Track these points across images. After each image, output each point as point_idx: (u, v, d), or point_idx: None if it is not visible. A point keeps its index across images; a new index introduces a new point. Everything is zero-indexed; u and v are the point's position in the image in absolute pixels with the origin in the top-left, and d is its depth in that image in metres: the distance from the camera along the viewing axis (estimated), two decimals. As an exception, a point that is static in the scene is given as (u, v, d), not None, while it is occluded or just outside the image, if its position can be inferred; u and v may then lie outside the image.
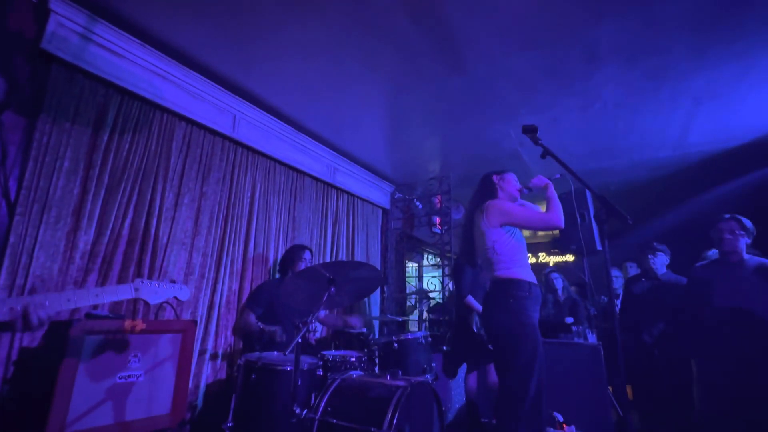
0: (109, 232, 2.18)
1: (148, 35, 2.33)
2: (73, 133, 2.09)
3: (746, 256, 2.41)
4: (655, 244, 3.22)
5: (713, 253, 2.80)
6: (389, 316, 3.59)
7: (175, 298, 1.54)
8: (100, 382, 1.65)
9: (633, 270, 4.02)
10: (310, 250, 2.94)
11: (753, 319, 2.28)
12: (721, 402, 2.39)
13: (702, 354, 2.55)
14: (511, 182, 2.08)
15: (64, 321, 1.79)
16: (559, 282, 3.82)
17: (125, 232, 2.26)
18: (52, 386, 1.51)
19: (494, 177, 2.09)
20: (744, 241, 2.41)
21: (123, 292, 1.37)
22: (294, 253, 2.87)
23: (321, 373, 2.00)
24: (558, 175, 2.02)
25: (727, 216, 2.46)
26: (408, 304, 4.91)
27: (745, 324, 2.30)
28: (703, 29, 2.27)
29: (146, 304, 1.48)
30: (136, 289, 1.40)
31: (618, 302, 3.53)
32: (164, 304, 2.33)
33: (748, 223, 2.41)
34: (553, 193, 1.93)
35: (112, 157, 2.24)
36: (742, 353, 2.29)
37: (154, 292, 1.45)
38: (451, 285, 4.39)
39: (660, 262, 3.16)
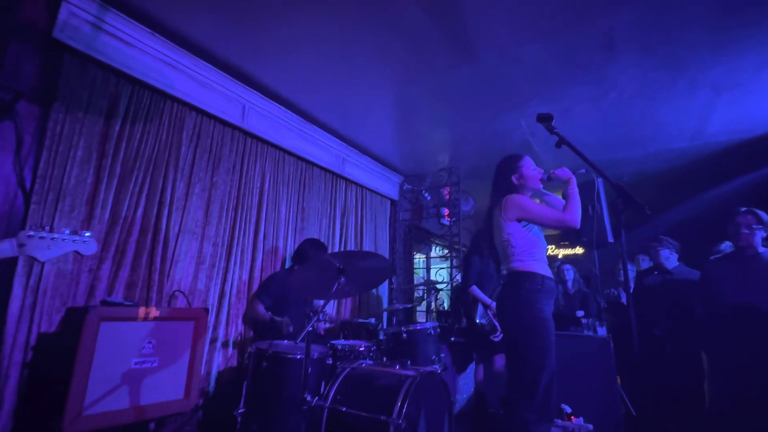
0: (122, 221, 2.21)
1: (158, 24, 2.33)
2: (86, 123, 2.11)
3: (761, 250, 2.38)
4: (663, 237, 3.17)
5: (726, 246, 2.75)
6: (397, 306, 3.60)
7: (77, 252, 1.31)
8: (116, 367, 1.69)
9: (645, 263, 3.96)
10: (326, 251, 2.92)
11: (767, 313, 2.25)
12: (731, 396, 2.37)
13: (714, 348, 2.52)
14: (531, 177, 1.98)
15: (80, 307, 1.83)
16: (570, 274, 3.79)
17: (138, 221, 2.29)
18: (69, 371, 1.54)
19: (513, 178, 2.00)
20: (760, 235, 2.37)
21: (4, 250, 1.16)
22: (310, 251, 2.81)
23: (330, 362, 2.02)
24: (583, 170, 1.94)
25: (744, 209, 2.41)
26: (416, 295, 4.92)
27: (759, 318, 2.26)
28: (723, 17, 2.19)
29: (37, 260, 1.26)
30: (21, 245, 1.17)
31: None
32: (176, 293, 2.36)
33: (765, 216, 2.37)
34: (574, 189, 1.88)
35: (124, 147, 2.26)
36: (754, 348, 2.26)
37: (45, 247, 1.21)
38: (459, 277, 4.38)
39: (668, 255, 3.11)
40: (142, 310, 1.76)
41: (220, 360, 2.64)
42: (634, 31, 2.32)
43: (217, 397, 2.52)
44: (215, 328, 2.64)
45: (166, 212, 2.41)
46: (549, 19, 2.24)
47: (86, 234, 1.31)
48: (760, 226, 2.35)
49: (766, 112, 3.17)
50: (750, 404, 2.27)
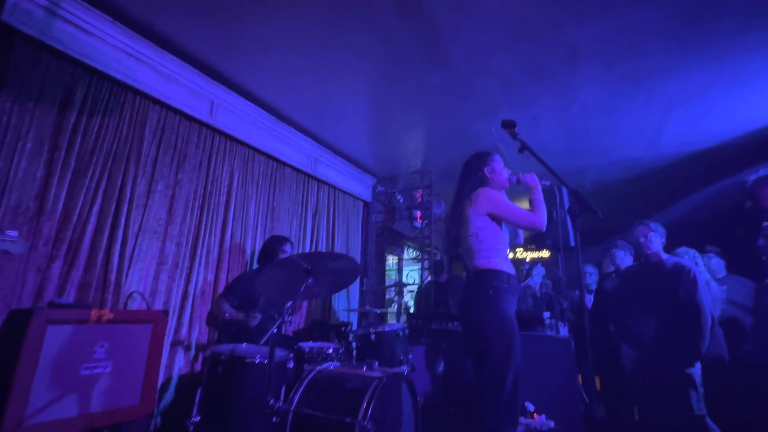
0: (75, 218, 2.09)
1: (120, 13, 2.23)
2: (37, 113, 1.98)
3: (665, 257, 2.60)
4: (619, 242, 3.35)
5: (682, 250, 2.94)
6: (368, 308, 3.59)
7: (6, 251, 1.37)
8: (64, 373, 1.58)
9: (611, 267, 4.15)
10: (291, 243, 2.88)
11: (666, 313, 2.47)
12: (638, 385, 2.62)
13: (623, 346, 2.77)
14: (501, 172, 2.04)
15: (24, 309, 1.71)
16: (539, 277, 3.92)
17: (93, 218, 2.17)
18: (10, 378, 1.44)
19: (485, 170, 2.04)
20: (659, 241, 2.61)
21: None
22: (275, 244, 2.79)
23: (292, 365, 1.98)
24: (547, 183, 2.06)
25: (637, 222, 2.68)
26: (387, 296, 4.93)
27: (660, 318, 2.49)
28: (677, 36, 2.35)
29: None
30: None
31: (591, 297, 3.66)
32: (134, 294, 2.26)
33: (655, 226, 2.62)
34: (540, 196, 1.94)
35: (80, 140, 2.14)
36: (656, 343, 2.48)
37: None
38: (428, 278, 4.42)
39: (623, 256, 3.29)
40: (94, 313, 1.67)
41: (182, 364, 2.54)
42: (597, 45, 2.44)
43: (176, 403, 2.43)
44: (177, 330, 2.54)
45: (125, 209, 2.30)
46: (518, 30, 2.32)
47: (14, 233, 1.35)
48: (654, 234, 2.59)
49: (712, 127, 3.41)
50: (650, 388, 2.49)
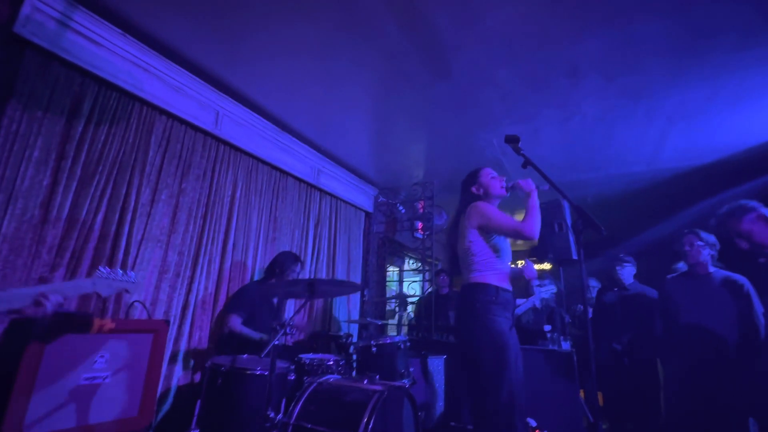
0: (79, 226, 2.09)
1: (129, 25, 2.27)
2: (46, 122, 2.01)
3: (712, 269, 2.48)
4: (621, 255, 3.33)
5: (681, 266, 2.91)
6: (369, 319, 3.57)
7: (126, 290, 1.49)
8: (63, 383, 1.57)
9: None
10: (302, 263, 2.87)
11: (717, 330, 2.36)
12: (685, 406, 2.46)
13: (670, 362, 2.64)
14: (490, 184, 2.02)
15: (25, 318, 1.71)
16: (538, 290, 3.90)
17: (97, 226, 2.18)
18: (9, 387, 1.43)
19: (473, 188, 2.05)
20: (707, 253, 2.45)
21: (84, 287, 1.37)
22: (286, 261, 2.79)
23: (293, 377, 1.96)
24: (546, 187, 1.99)
25: (687, 230, 2.55)
26: (388, 308, 4.91)
27: (710, 335, 2.38)
28: (676, 52, 2.38)
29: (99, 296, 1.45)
30: (94, 283, 1.39)
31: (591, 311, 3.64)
32: (136, 303, 2.25)
33: (707, 236, 2.47)
34: (534, 202, 1.86)
35: (87, 149, 2.16)
36: (706, 362, 2.37)
37: (107, 285, 1.41)
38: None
39: (626, 272, 3.27)
40: (96, 322, 1.66)
41: (180, 374, 2.52)
42: (597, 60, 2.47)
43: (175, 414, 2.40)
44: (177, 340, 2.52)
45: (129, 218, 2.31)
46: (519, 44, 2.36)
47: (132, 274, 1.51)
48: (702, 244, 2.45)
49: (713, 142, 3.43)
50: (702, 415, 2.38)
